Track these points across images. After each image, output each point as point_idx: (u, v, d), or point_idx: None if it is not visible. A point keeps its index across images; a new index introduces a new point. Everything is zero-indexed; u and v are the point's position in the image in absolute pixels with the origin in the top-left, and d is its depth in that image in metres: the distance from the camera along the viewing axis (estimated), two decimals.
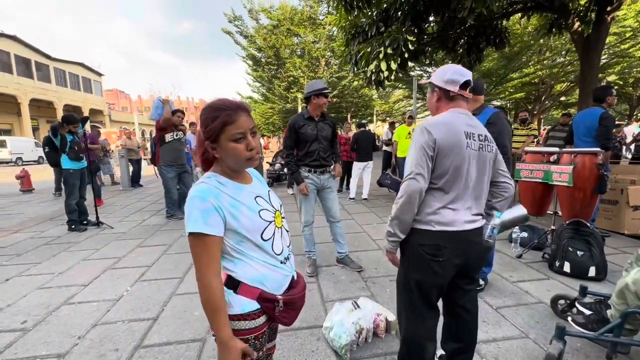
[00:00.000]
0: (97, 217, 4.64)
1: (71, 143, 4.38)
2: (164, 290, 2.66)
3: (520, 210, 2.24)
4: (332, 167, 2.99)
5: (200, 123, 0.92)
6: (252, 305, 0.93)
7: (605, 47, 10.25)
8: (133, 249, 3.68)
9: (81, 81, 28.93)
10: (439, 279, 1.35)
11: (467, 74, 1.34)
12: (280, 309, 0.96)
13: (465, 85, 1.35)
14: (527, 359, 1.79)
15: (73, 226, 4.46)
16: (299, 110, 17.27)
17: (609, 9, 4.84)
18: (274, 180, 8.22)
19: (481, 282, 2.54)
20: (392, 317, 2.00)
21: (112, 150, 10.09)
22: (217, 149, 0.92)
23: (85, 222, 4.67)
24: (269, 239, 0.96)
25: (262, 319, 0.96)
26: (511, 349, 1.86)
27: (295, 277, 1.09)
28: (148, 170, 12.43)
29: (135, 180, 8.49)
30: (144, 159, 12.10)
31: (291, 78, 18.23)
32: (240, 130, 0.89)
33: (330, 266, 3.10)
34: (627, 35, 11.11)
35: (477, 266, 1.45)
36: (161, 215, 5.33)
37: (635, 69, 12.92)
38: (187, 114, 52.32)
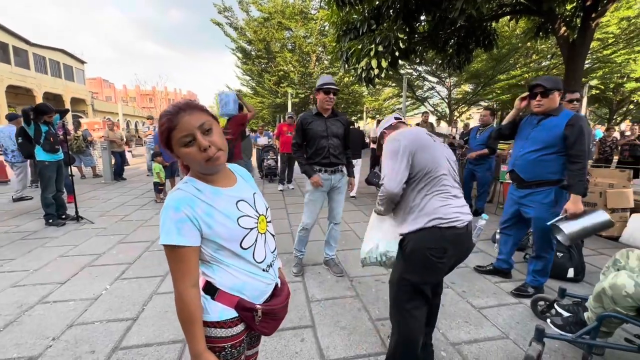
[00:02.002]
0: (77, 212, 4.49)
1: (46, 134, 4.18)
2: (145, 289, 2.59)
3: (602, 216, 2.04)
4: (344, 167, 2.82)
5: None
6: (230, 312, 0.90)
7: (589, 52, 10.53)
8: (114, 246, 3.57)
9: (62, 68, 27.77)
10: (440, 275, 1.55)
11: (392, 115, 1.78)
12: (259, 319, 0.93)
13: (396, 117, 1.74)
14: (507, 359, 1.83)
15: (50, 220, 4.29)
16: (289, 105, 17.11)
17: (594, 15, 4.95)
18: (273, 175, 8.16)
19: (530, 289, 2.47)
20: None
21: (95, 141, 9.76)
22: (175, 152, 0.87)
23: (63, 216, 4.50)
24: (249, 247, 0.92)
25: (239, 327, 0.92)
26: (492, 349, 1.90)
27: (279, 285, 1.04)
28: (132, 162, 12.12)
29: (118, 173, 8.24)
30: (128, 151, 11.79)
31: (281, 72, 18.01)
32: (185, 132, 0.82)
33: (316, 265, 3.08)
34: (610, 41, 11.43)
35: (463, 260, 1.55)
36: (145, 210, 5.19)
37: (616, 75, 13.33)
38: None
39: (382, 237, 1.73)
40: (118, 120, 16.38)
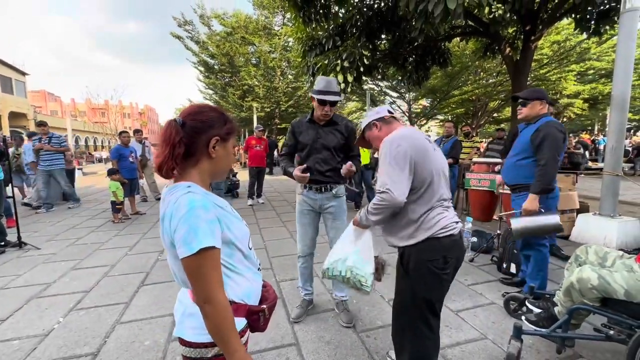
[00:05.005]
0: (19, 237, 3.98)
1: None
2: (106, 319, 2.33)
3: (552, 219, 2.14)
4: (337, 187, 2.27)
5: (206, 117, 0.88)
6: (241, 323, 0.89)
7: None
8: (65, 273, 3.21)
9: None
10: (447, 287, 1.49)
11: (385, 106, 1.64)
12: (266, 317, 0.94)
13: (389, 111, 1.60)
14: (488, 359, 1.88)
15: None
16: (254, 119, 16.93)
17: (532, 38, 5.55)
18: (235, 188, 7.89)
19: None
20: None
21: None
22: (219, 148, 0.89)
23: (2, 243, 3.97)
24: (252, 248, 0.97)
25: (246, 335, 0.93)
26: (474, 351, 1.94)
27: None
28: (83, 181, 11.16)
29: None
30: (79, 169, 10.84)
31: (246, 87, 17.91)
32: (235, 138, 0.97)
33: (294, 280, 2.99)
34: (545, 61, 12.89)
35: (459, 267, 1.52)
36: (101, 231, 4.76)
37: (551, 91, 14.98)
38: (131, 121, 48.41)
39: (353, 252, 1.62)
40: (66, 136, 15.08)
